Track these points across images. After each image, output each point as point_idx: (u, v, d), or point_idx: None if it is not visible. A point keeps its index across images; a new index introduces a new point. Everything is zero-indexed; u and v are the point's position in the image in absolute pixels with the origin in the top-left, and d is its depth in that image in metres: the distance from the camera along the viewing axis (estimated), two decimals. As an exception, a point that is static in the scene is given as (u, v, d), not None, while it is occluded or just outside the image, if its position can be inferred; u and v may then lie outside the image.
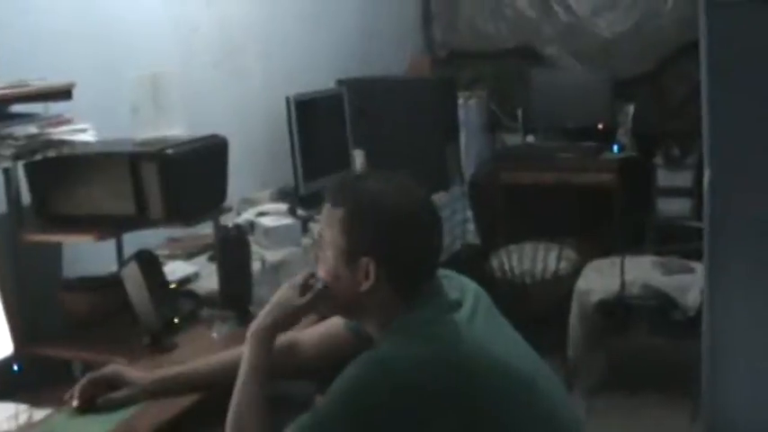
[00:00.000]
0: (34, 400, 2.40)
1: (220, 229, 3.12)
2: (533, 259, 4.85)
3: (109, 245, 3.07)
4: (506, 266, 4.88)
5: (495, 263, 4.95)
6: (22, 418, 2.32)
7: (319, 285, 2.08)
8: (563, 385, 2.11)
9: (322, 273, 2.07)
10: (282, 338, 2.23)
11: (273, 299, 2.19)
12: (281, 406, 2.24)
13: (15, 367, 2.64)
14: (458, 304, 1.98)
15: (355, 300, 2.01)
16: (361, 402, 1.83)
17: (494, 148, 5.93)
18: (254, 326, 2.14)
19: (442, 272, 2.12)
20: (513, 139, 6.07)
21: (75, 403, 2.30)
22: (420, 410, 1.81)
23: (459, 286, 2.06)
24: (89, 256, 3.16)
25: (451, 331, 1.90)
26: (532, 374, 1.98)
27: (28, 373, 2.64)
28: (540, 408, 1.94)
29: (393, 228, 1.97)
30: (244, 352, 2.11)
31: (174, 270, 3.25)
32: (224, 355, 2.35)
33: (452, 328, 1.91)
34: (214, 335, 2.77)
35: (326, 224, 2.03)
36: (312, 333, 2.34)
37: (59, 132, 2.67)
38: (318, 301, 2.10)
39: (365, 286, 1.97)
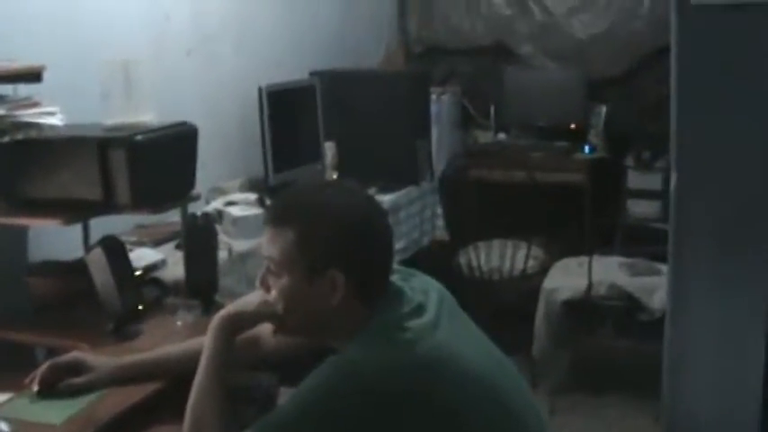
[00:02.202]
0: (-4, 384, 2.39)
1: (188, 217, 3.11)
2: (501, 257, 4.86)
3: (76, 230, 3.05)
4: (474, 263, 4.88)
5: (463, 259, 4.95)
6: (-18, 402, 2.31)
7: (276, 310, 2.00)
8: (528, 385, 2.10)
9: (276, 298, 1.99)
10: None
11: (245, 297, 2.15)
12: (242, 396, 2.25)
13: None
14: (421, 307, 1.94)
15: (321, 317, 1.96)
16: (327, 406, 1.81)
17: (465, 145, 5.93)
18: (217, 316, 2.13)
19: (405, 271, 2.11)
20: (484, 137, 6.08)
21: (35, 387, 2.29)
22: (386, 414, 1.79)
23: (422, 287, 2.03)
24: (55, 240, 3.15)
25: (416, 336, 1.86)
26: (497, 375, 1.97)
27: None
28: (505, 409, 1.93)
29: (348, 233, 1.93)
30: (205, 341, 2.09)
31: (141, 257, 3.24)
32: (187, 344, 2.34)
33: (416, 332, 1.87)
34: (179, 323, 2.76)
35: (275, 247, 1.95)
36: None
37: (28, 115, 2.66)
38: (272, 319, 2.05)
39: (335, 300, 1.92)
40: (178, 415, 2.01)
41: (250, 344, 2.29)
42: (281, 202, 2.06)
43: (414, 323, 1.89)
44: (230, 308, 2.13)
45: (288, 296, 1.97)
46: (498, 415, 1.91)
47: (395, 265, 2.06)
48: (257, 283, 2.07)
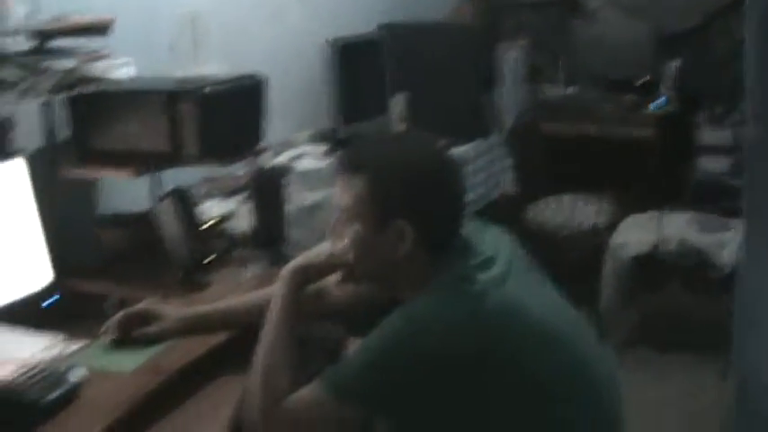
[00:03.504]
0: (69, 333, 2.42)
1: (256, 170, 3.12)
2: (571, 211, 4.83)
3: (146, 182, 3.08)
4: (543, 218, 4.86)
5: (532, 214, 4.93)
6: (58, 350, 2.34)
7: (347, 259, 2.03)
8: (601, 342, 2.09)
9: (347, 246, 2.01)
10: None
11: (314, 248, 2.17)
12: (310, 347, 2.26)
13: (52, 300, 2.67)
14: (491, 260, 1.94)
15: (389, 266, 1.98)
16: (392, 357, 1.84)
17: (534, 99, 5.88)
18: (287, 267, 2.14)
19: (477, 224, 2.11)
20: (553, 90, 6.02)
21: (109, 337, 2.33)
22: (451, 367, 1.81)
23: (493, 241, 2.03)
24: (126, 193, 3.17)
25: (484, 288, 1.86)
26: (568, 330, 1.97)
27: (64, 306, 2.67)
28: (576, 364, 1.93)
29: (420, 184, 1.93)
30: (275, 291, 2.11)
31: (210, 209, 3.26)
32: (255, 295, 2.37)
33: (484, 285, 1.87)
34: (247, 274, 2.77)
35: (347, 194, 1.97)
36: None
37: (97, 68, 2.67)
38: (343, 267, 2.07)
39: (402, 250, 1.93)
40: (245, 365, 2.04)
41: (318, 295, 2.31)
42: (355, 151, 2.06)
43: (482, 276, 1.89)
44: (300, 259, 2.15)
45: (357, 245, 1.98)
46: (569, 370, 1.90)
47: (467, 218, 2.04)
48: (329, 231, 2.08)
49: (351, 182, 1.96)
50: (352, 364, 1.88)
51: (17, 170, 2.59)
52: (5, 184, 2.56)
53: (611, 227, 4.81)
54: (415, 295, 1.90)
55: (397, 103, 4.56)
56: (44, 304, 2.63)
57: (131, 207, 3.10)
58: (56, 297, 2.65)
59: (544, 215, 4.85)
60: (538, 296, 1.99)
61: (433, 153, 2.01)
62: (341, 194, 1.99)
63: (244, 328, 2.27)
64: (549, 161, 4.83)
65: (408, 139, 2.05)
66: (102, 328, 2.35)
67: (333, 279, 2.23)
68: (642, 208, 4.83)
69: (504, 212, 4.62)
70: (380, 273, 2.02)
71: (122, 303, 2.47)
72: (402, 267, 1.96)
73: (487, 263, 1.93)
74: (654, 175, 4.98)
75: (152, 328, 2.34)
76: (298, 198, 3.42)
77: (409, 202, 1.92)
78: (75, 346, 2.35)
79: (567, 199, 4.87)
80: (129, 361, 2.24)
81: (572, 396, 1.90)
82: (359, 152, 2.04)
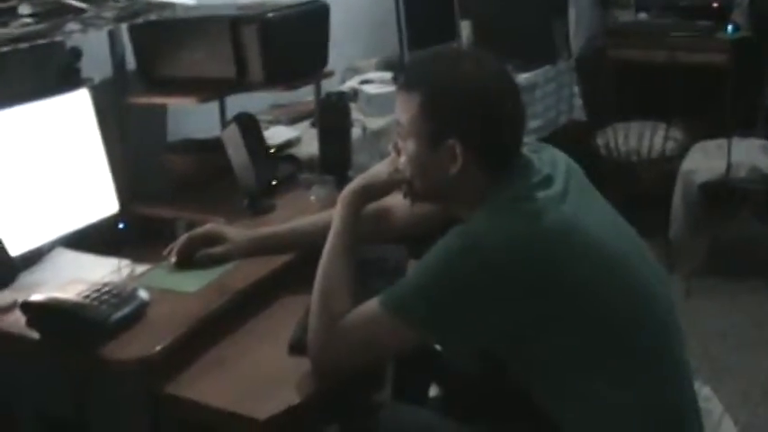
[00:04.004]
0: (137, 256, 2.47)
1: (322, 95, 3.14)
2: (640, 138, 4.77)
3: (213, 109, 3.12)
4: (612, 144, 4.82)
5: (601, 140, 4.88)
6: (125, 272, 2.40)
7: (405, 175, 2.03)
8: (659, 263, 2.06)
9: (405, 163, 2.01)
10: (375, 205, 2.24)
11: (373, 168, 2.18)
12: (372, 268, 2.28)
13: (121, 225, 2.73)
14: (549, 179, 1.93)
15: (444, 184, 1.97)
16: (449, 277, 1.83)
17: (605, 24, 5.81)
18: (347, 188, 2.16)
19: (533, 145, 2.09)
20: (624, 16, 5.92)
21: (173, 258, 2.38)
22: (508, 285, 1.80)
23: (551, 160, 2.01)
24: (194, 119, 3.22)
25: (542, 207, 1.86)
26: (625, 250, 1.95)
27: (132, 232, 2.73)
28: (633, 283, 1.91)
29: (474, 104, 1.91)
30: (335, 212, 2.12)
31: (276, 134, 3.29)
32: (318, 216, 2.39)
33: (543, 203, 1.86)
34: (312, 198, 2.79)
35: (404, 111, 1.97)
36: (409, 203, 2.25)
37: (159, -5, 2.71)
38: (402, 184, 2.07)
39: (454, 169, 1.92)
40: (307, 286, 2.06)
41: (382, 217, 2.33)
42: (413, 67, 2.07)
43: (541, 194, 1.88)
44: (359, 179, 2.16)
45: (413, 161, 1.99)
46: (624, 289, 1.89)
47: (525, 138, 2.03)
48: (389, 148, 2.09)
49: (407, 98, 1.96)
50: (409, 283, 1.89)
51: (82, 100, 2.65)
52: (72, 114, 2.61)
53: (681, 154, 4.76)
54: (469, 213, 1.91)
55: (466, 28, 4.53)
56: (114, 230, 2.70)
57: (200, 134, 3.14)
58: (124, 223, 2.71)
59: (613, 142, 4.80)
60: (596, 216, 1.97)
61: (490, 73, 1.98)
62: (398, 111, 1.99)
63: (307, 249, 2.28)
64: (619, 87, 4.77)
65: (466, 58, 2.02)
66: (166, 250, 2.40)
67: (396, 200, 2.24)
68: (713, 135, 4.77)
69: (572, 139, 4.58)
70: (437, 191, 2.02)
71: (191, 227, 2.50)
72: (458, 186, 1.95)
73: (546, 182, 1.92)
74: (725, 102, 4.88)
75: (216, 250, 2.38)
76: (364, 123, 3.44)
77: (462, 122, 1.91)
78: (141, 268, 2.41)
79: (635, 125, 4.81)
80: (194, 281, 2.28)
81: (632, 314, 1.89)
82: (415, 69, 2.03)
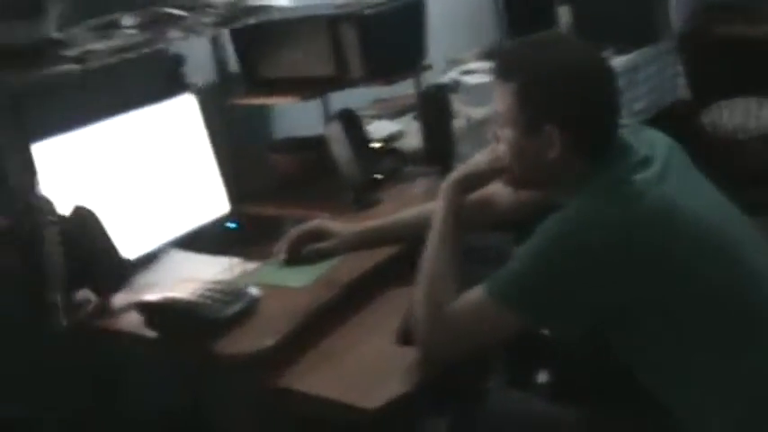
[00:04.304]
0: (247, 255, 2.54)
1: (422, 88, 3.17)
2: (746, 114, 4.69)
3: (316, 107, 3.17)
4: (718, 122, 4.75)
5: (707, 118, 4.81)
6: (236, 270, 2.46)
7: (505, 163, 2.05)
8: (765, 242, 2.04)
9: (505, 151, 2.03)
10: (478, 193, 2.26)
11: (473, 157, 2.21)
12: (476, 256, 2.30)
13: (232, 225, 2.79)
14: (647, 161, 1.93)
15: (543, 170, 1.99)
16: (549, 261, 1.86)
17: (705, 2, 5.70)
18: (449, 177, 2.18)
19: (633, 126, 2.10)
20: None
21: (282, 255, 2.43)
22: (607, 269, 1.82)
23: (649, 141, 2.01)
24: (298, 118, 3.27)
25: (640, 189, 1.86)
26: (729, 229, 1.95)
27: (242, 231, 2.79)
28: (737, 263, 1.91)
29: (569, 90, 1.93)
30: (437, 202, 2.15)
31: (380, 129, 3.32)
32: (422, 208, 2.40)
33: (641, 186, 1.87)
34: (416, 190, 2.82)
35: (500, 100, 1.99)
36: (511, 191, 2.29)
37: (256, -1, 2.76)
38: (504, 172, 2.09)
39: (552, 154, 1.94)
40: (412, 278, 2.08)
41: (484, 205, 2.34)
42: (507, 56, 2.08)
43: (639, 176, 1.88)
44: (460, 169, 2.19)
45: (512, 149, 2.01)
46: (728, 269, 1.89)
47: (622, 121, 2.04)
48: (489, 136, 2.12)
49: (503, 87, 1.99)
50: (511, 269, 1.91)
51: (189, 105, 2.72)
52: (179, 119, 2.69)
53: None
54: (571, 200, 1.91)
55: (564, 14, 4.51)
56: (225, 230, 2.77)
57: (305, 132, 3.19)
58: (234, 223, 2.78)
59: (719, 120, 4.73)
60: (697, 196, 1.97)
61: (585, 59, 2.00)
62: (496, 100, 2.02)
63: (412, 240, 2.29)
64: (722, 64, 4.70)
65: (560, 45, 2.03)
66: (276, 247, 2.45)
67: (498, 188, 2.27)
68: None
69: (677, 118, 4.53)
70: (536, 177, 2.04)
71: (298, 224, 2.54)
72: (557, 171, 1.97)
73: (645, 163, 1.92)
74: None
75: (323, 245, 2.43)
76: (466, 113, 3.45)
77: (558, 108, 1.93)
78: (252, 266, 2.47)
79: (741, 102, 4.73)
80: (302, 277, 2.34)
81: (737, 294, 1.88)
82: (510, 58, 2.05)
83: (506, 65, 2.02)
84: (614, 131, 1.99)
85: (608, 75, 2.02)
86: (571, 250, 1.83)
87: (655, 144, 2.01)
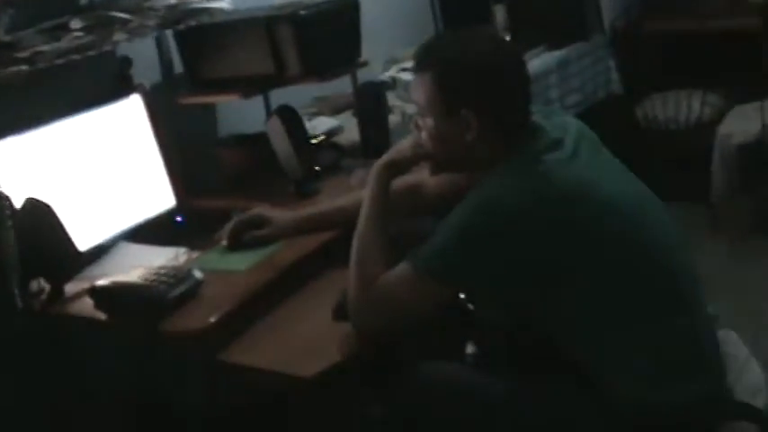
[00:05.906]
0: (194, 246, 2.67)
1: (359, 85, 3.32)
2: (677, 106, 4.86)
3: (258, 105, 3.29)
4: (651, 115, 4.90)
5: (640, 111, 4.97)
6: (182, 259, 2.60)
7: (427, 149, 2.19)
8: (673, 219, 2.18)
9: (426, 138, 2.18)
10: (409, 179, 2.43)
11: (398, 144, 2.35)
12: (407, 240, 2.43)
13: (178, 218, 2.92)
14: (559, 142, 2.07)
15: (462, 153, 2.13)
16: (468, 231, 2.00)
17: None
18: (375, 164, 2.32)
19: (545, 110, 2.25)
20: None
21: (224, 242, 2.58)
22: (522, 237, 1.96)
23: (561, 125, 2.15)
24: (241, 115, 3.39)
25: (552, 168, 2.01)
26: (638, 208, 2.09)
27: (189, 224, 2.90)
28: (646, 240, 2.05)
29: (482, 76, 2.08)
30: (365, 188, 2.30)
31: (320, 124, 3.45)
32: (357, 194, 2.50)
33: (553, 164, 2.01)
34: (353, 180, 2.94)
35: (420, 91, 2.14)
36: (436, 177, 2.44)
37: (198, 1, 2.88)
38: (426, 158, 2.25)
39: (469, 136, 2.08)
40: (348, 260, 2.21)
41: (413, 192, 2.50)
42: (422, 50, 2.22)
43: (550, 156, 2.03)
44: (386, 155, 2.32)
45: (433, 134, 2.16)
46: (637, 245, 2.03)
47: (536, 106, 2.19)
48: (411, 127, 2.26)
49: (420, 78, 2.15)
50: (434, 243, 2.05)
51: (136, 105, 2.85)
52: (127, 119, 2.81)
53: (718, 119, 4.83)
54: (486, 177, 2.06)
55: (499, 12, 4.65)
56: (172, 223, 2.89)
57: (248, 129, 3.31)
58: (181, 216, 2.90)
59: (652, 112, 4.89)
60: (608, 176, 2.11)
61: (494, 48, 2.16)
62: (414, 91, 2.18)
63: (348, 225, 2.38)
64: (654, 58, 4.85)
65: (472, 36, 2.19)
66: (218, 235, 2.60)
67: (426, 177, 2.42)
68: (748, 99, 4.82)
69: (612, 112, 4.68)
70: (457, 159, 2.18)
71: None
72: (475, 153, 2.11)
73: (556, 144, 2.07)
74: (759, 66, 4.93)
75: (262, 231, 2.57)
76: (402, 108, 3.60)
77: (472, 93, 2.08)
78: (197, 254, 2.61)
79: (672, 95, 4.89)
80: (244, 261, 2.48)
81: (645, 263, 2.03)
82: (425, 51, 2.20)
83: (422, 58, 2.18)
84: (527, 115, 2.14)
85: (518, 62, 2.19)
86: (486, 221, 1.98)
87: (566, 127, 2.15)
